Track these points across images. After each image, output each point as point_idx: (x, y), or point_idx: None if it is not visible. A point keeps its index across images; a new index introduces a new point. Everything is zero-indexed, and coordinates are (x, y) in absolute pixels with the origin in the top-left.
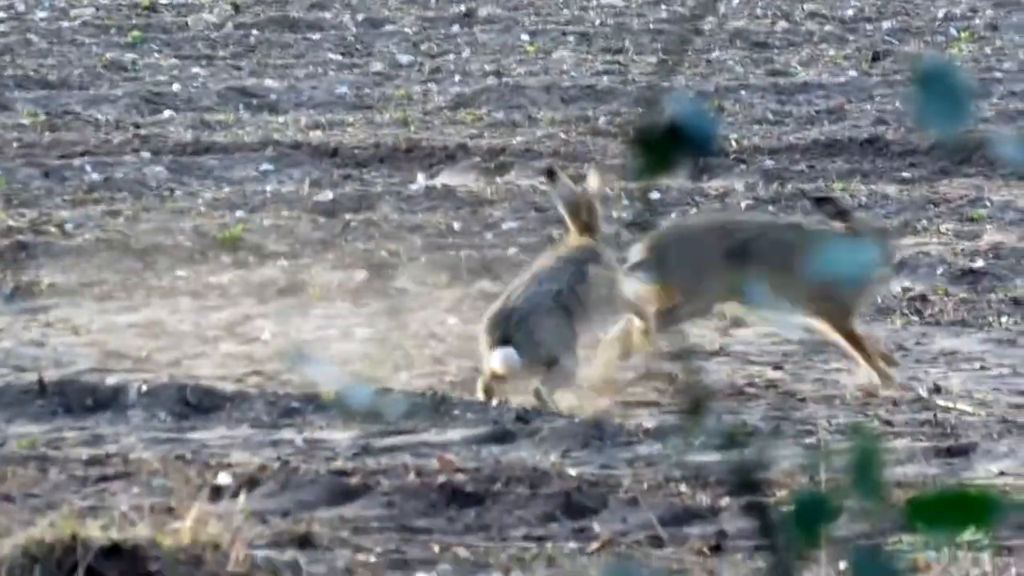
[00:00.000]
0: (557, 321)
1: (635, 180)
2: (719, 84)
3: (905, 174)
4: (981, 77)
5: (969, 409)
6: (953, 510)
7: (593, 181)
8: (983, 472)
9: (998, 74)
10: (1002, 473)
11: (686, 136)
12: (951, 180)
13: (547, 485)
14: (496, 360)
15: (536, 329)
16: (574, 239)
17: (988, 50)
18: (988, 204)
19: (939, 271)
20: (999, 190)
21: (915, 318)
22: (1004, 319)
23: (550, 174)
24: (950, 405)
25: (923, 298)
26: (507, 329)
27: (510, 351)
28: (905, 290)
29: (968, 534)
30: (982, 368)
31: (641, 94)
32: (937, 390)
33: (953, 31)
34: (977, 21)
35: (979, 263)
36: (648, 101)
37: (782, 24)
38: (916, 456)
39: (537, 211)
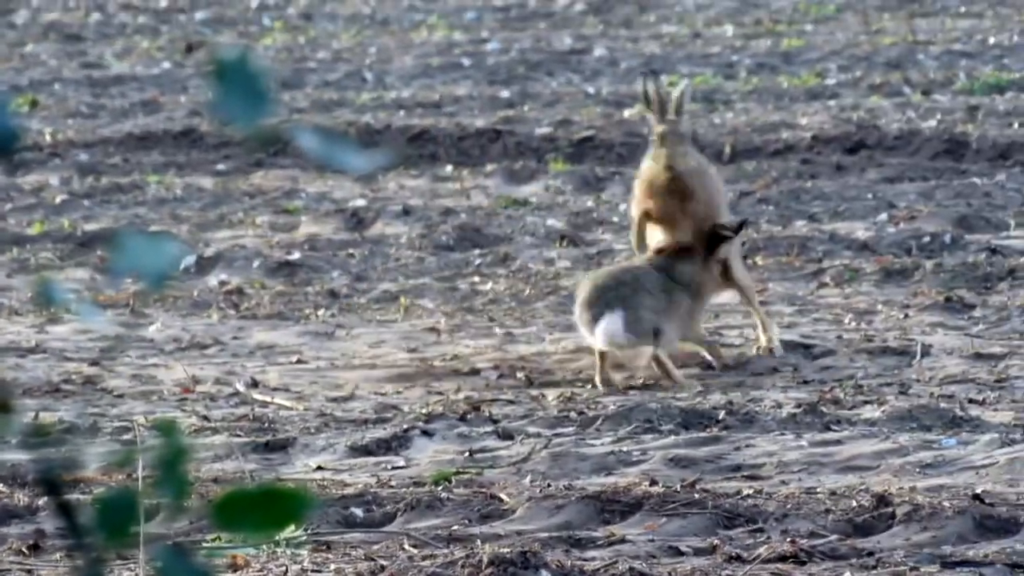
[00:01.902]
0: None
1: None
2: (32, 78)
3: (220, 166)
4: (295, 67)
5: (287, 403)
6: (262, 507)
7: None
8: (301, 467)
9: (312, 64)
10: (320, 468)
11: None
12: (266, 172)
13: None
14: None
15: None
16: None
17: (302, 39)
18: (303, 196)
19: (255, 264)
20: (314, 182)
21: (232, 312)
22: (321, 312)
23: None
24: (268, 399)
25: (240, 291)
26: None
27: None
28: (222, 283)
29: (286, 530)
30: (299, 361)
31: None
32: (255, 384)
33: (267, 21)
34: (291, 11)
35: (295, 255)
36: None
37: (96, 16)
38: (234, 452)
39: None
